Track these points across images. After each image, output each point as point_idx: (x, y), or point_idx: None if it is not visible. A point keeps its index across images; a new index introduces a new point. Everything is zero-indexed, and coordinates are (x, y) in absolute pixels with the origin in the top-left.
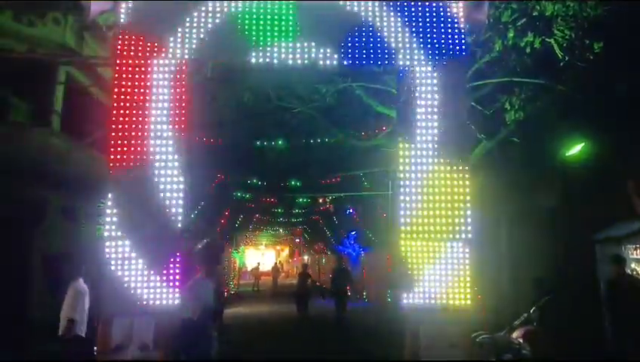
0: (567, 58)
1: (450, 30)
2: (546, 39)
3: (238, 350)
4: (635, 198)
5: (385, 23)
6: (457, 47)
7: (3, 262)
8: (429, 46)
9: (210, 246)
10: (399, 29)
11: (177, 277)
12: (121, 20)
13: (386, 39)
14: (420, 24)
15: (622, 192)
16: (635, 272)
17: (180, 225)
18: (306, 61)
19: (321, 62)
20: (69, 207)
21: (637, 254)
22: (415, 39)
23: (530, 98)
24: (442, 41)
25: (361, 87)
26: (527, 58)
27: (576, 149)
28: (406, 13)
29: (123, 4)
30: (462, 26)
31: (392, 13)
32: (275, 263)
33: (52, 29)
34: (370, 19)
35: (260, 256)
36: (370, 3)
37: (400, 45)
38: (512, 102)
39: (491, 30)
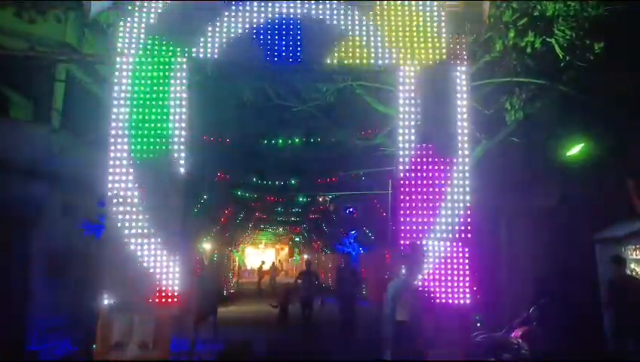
0: (567, 58)
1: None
2: (547, 39)
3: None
4: (635, 198)
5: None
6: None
7: (2, 262)
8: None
9: (415, 250)
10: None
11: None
12: None
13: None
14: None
15: (622, 192)
16: (634, 273)
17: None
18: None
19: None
20: (68, 205)
21: (637, 255)
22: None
23: (531, 98)
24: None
25: (361, 86)
26: (528, 58)
27: (576, 149)
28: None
29: None
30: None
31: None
32: (274, 262)
33: (53, 27)
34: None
35: (261, 255)
36: None
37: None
38: (512, 103)
39: (492, 30)
